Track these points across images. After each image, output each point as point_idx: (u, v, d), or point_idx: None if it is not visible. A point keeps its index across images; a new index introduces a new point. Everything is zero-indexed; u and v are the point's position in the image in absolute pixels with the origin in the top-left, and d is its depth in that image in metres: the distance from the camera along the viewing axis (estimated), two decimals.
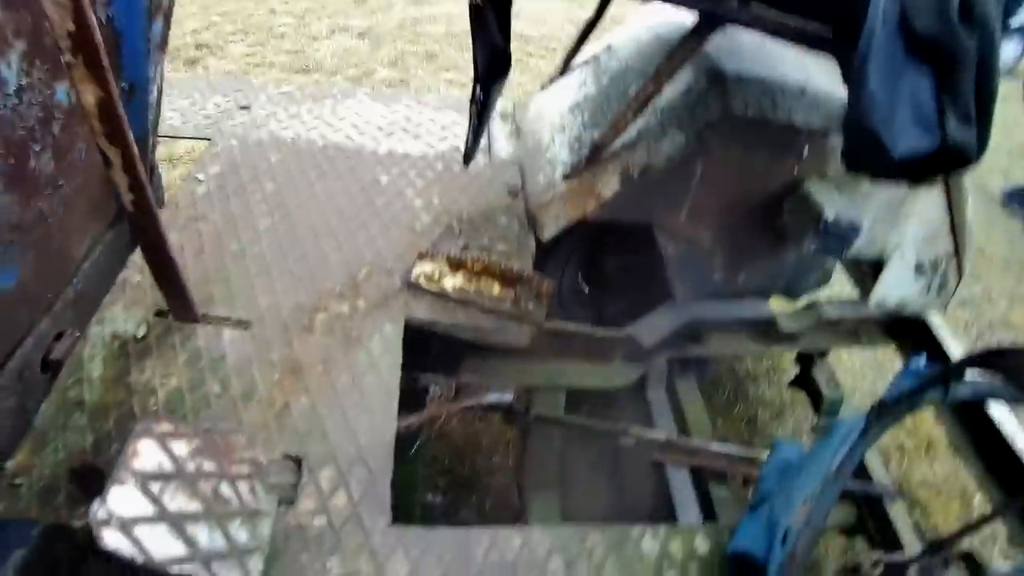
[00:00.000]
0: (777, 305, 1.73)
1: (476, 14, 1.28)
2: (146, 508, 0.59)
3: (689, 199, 1.45)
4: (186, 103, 1.84)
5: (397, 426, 1.04)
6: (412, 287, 1.26)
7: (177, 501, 0.62)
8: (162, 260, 1.07)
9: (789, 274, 1.73)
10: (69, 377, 1.07)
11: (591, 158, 1.39)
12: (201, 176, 1.48)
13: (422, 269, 1.26)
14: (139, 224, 0.98)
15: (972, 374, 1.10)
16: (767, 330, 1.67)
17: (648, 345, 1.54)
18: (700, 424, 1.59)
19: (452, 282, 1.25)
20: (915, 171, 0.90)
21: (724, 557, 0.96)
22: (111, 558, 0.55)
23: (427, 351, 1.36)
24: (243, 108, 1.82)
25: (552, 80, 1.85)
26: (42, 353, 1.13)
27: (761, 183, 1.43)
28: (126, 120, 0.91)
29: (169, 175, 1.93)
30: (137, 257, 1.29)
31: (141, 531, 0.58)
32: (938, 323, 1.63)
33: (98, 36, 0.80)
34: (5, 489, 0.94)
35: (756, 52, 1.40)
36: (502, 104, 1.89)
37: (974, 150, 0.91)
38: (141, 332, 1.13)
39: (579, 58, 1.80)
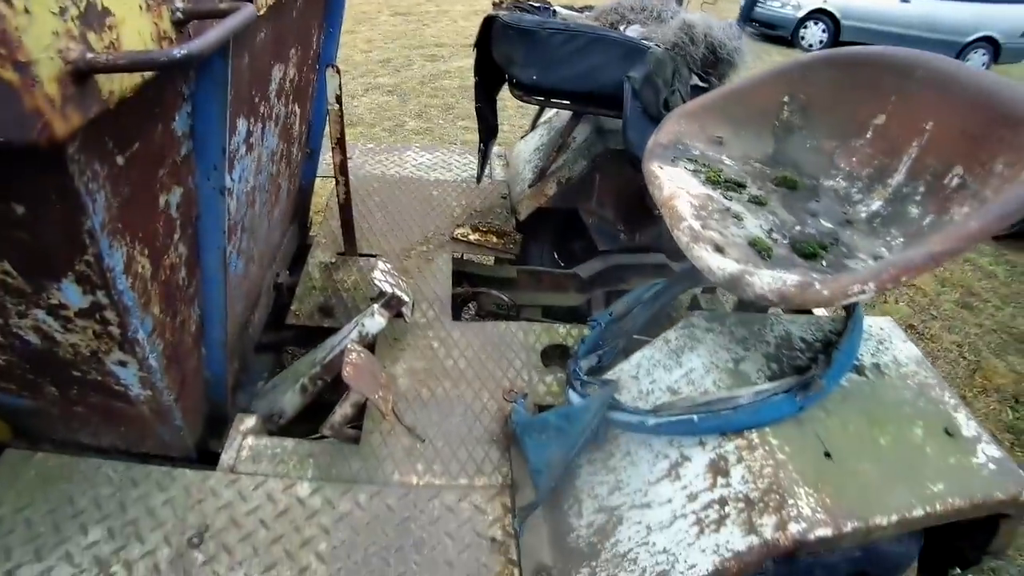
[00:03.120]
0: None
1: (478, 109, 2.81)
2: (383, 277, 2.08)
3: (595, 193, 2.75)
4: None
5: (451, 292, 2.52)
6: (454, 239, 2.75)
7: (391, 280, 2.10)
8: (348, 226, 2.57)
9: (668, 236, 3.00)
10: (305, 278, 2.55)
11: (540, 176, 2.84)
12: None
13: (459, 231, 2.76)
14: (343, 209, 2.50)
15: None
16: (667, 273, 2.78)
17: (585, 277, 2.78)
18: None
19: (473, 236, 2.75)
20: None
21: None
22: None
23: (463, 279, 2.76)
24: (347, 158, 3.36)
25: (526, 134, 3.39)
26: (273, 280, 2.63)
27: (634, 182, 2.49)
28: (346, 163, 2.42)
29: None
30: (321, 229, 2.81)
31: (382, 283, 2.06)
32: None
33: (344, 137, 2.33)
34: (293, 315, 2.43)
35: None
36: (498, 149, 3.44)
37: None
38: (332, 260, 2.63)
39: (540, 120, 3.36)
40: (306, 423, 2.06)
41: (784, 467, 1.37)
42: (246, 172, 1.77)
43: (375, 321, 1.98)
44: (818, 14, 12.30)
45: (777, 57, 10.74)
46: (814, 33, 12.43)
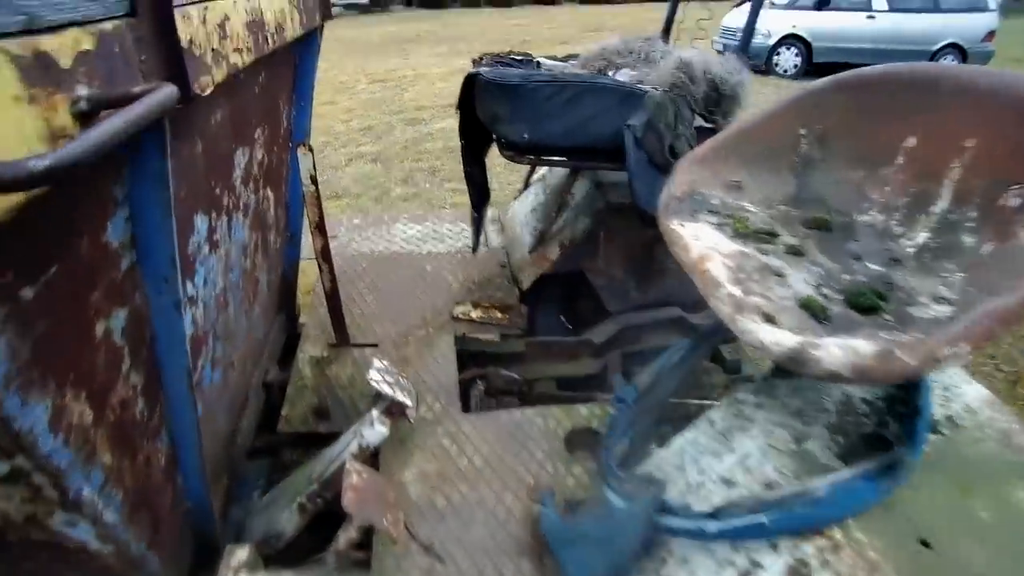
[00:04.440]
0: None
1: (467, 174, 2.60)
2: (380, 378, 1.82)
3: (601, 252, 2.56)
4: None
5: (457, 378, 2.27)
6: (455, 319, 2.51)
7: (390, 379, 1.86)
8: (338, 315, 2.34)
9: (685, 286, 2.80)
10: (295, 377, 2.31)
11: (540, 240, 2.63)
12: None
13: (459, 309, 2.52)
14: (330, 297, 2.27)
15: None
16: (684, 326, 2.64)
17: (599, 343, 2.59)
18: None
19: (475, 313, 2.51)
20: None
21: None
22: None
23: (468, 360, 2.51)
24: (332, 237, 3.15)
25: (519, 194, 3.19)
26: (262, 379, 2.38)
27: (641, 236, 2.49)
28: (329, 247, 2.20)
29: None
30: (310, 319, 2.58)
31: (380, 385, 1.81)
32: None
33: (323, 220, 2.11)
34: (285, 422, 2.17)
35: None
36: (491, 211, 3.22)
37: None
38: (324, 353, 2.39)
39: (533, 178, 3.15)
40: (307, 532, 1.84)
41: (879, 569, 1.15)
42: (212, 274, 1.54)
43: (375, 431, 1.73)
44: (789, 40, 12.46)
45: (755, 85, 10.70)
46: (787, 58, 12.60)
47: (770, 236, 1.56)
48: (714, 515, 1.31)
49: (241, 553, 1.65)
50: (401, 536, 1.56)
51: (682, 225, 1.53)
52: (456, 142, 2.58)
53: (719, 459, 1.47)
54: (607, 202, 2.49)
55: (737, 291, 1.29)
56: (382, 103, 9.85)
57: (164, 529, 1.48)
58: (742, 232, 1.55)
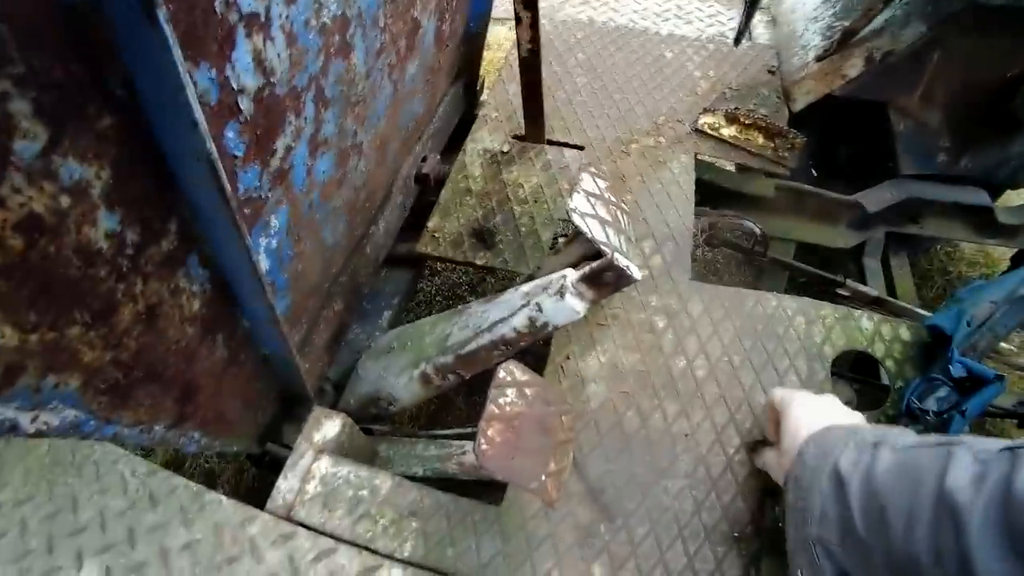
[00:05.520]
0: None
1: None
2: (590, 209, 1.08)
3: (924, 82, 1.72)
4: None
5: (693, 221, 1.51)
6: (698, 132, 1.73)
7: (603, 214, 1.11)
8: (534, 95, 1.58)
9: (1014, 164, 1.88)
10: (457, 174, 1.62)
11: (840, 43, 1.71)
12: None
13: (706, 119, 1.72)
14: (528, 67, 1.50)
15: None
16: (983, 220, 1.87)
17: (872, 211, 1.83)
18: (906, 292, 1.90)
19: (728, 131, 1.70)
20: None
21: (922, 339, 1.33)
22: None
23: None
24: None
25: None
26: (416, 169, 1.67)
27: (996, 70, 1.66)
28: None
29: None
30: (489, 98, 1.85)
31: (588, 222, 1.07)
32: None
33: None
34: (429, 239, 1.53)
35: None
36: None
37: None
38: (505, 148, 1.67)
39: None
40: None
41: None
42: None
43: (564, 308, 0.99)
44: None
45: None
46: None
47: None
48: None
49: (330, 424, 1.16)
50: (560, 493, 0.88)
51: None
52: None
53: None
54: (971, 3, 1.56)
55: None
56: None
57: (204, 398, 0.94)
58: None
